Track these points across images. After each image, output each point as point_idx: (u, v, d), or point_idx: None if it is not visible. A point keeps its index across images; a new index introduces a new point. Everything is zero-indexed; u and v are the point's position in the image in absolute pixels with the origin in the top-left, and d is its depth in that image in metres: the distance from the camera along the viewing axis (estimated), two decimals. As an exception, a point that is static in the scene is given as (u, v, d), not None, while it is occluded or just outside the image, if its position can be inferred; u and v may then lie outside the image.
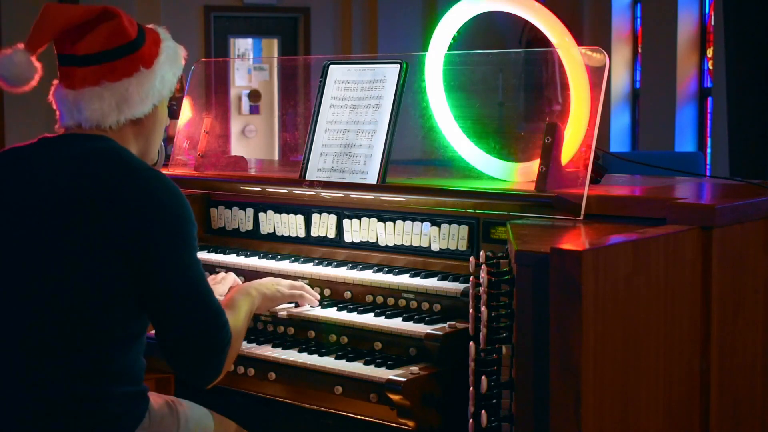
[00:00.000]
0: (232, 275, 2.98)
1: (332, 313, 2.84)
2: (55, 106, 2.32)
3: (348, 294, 2.94)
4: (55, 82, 2.32)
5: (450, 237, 2.88)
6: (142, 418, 2.28)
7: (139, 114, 2.31)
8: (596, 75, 2.75)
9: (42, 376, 2.16)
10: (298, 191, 3.10)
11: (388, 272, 2.90)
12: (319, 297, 2.92)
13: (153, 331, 2.26)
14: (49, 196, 2.18)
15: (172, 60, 2.39)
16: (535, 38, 9.13)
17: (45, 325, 2.16)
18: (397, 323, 2.70)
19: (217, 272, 3.14)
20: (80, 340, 2.16)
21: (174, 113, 4.24)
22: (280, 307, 2.90)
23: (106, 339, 2.17)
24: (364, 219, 3.05)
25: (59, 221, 2.16)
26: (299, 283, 2.91)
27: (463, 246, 2.85)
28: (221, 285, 2.89)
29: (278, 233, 3.28)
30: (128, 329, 2.21)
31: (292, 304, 2.90)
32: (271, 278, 2.88)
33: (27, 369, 2.17)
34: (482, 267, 2.34)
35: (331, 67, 3.15)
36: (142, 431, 2.27)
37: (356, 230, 3.08)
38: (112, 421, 2.21)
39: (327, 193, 3.03)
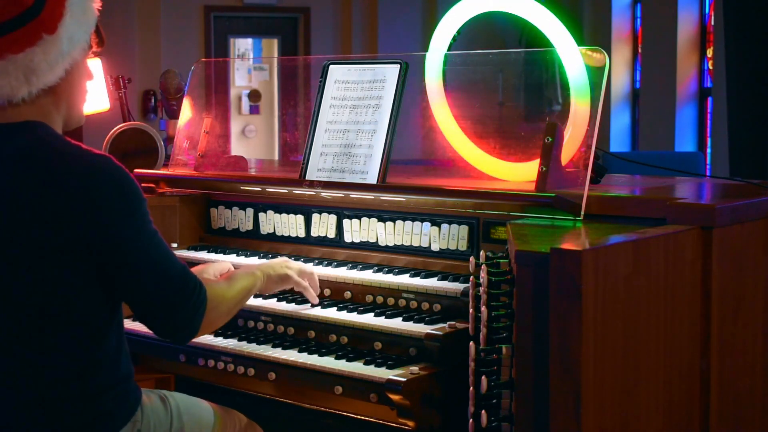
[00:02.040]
0: (222, 263, 2.89)
1: (332, 313, 2.84)
2: None
3: (348, 294, 2.94)
4: None
5: (450, 237, 2.88)
6: (134, 410, 2.27)
7: (50, 82, 2.20)
8: (596, 75, 2.75)
9: (26, 379, 2.14)
10: (298, 191, 3.10)
11: (388, 272, 2.90)
12: (317, 300, 2.91)
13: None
14: None
15: (79, 17, 2.24)
16: (535, 38, 9.14)
17: (17, 328, 2.14)
18: (397, 323, 2.70)
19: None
20: (55, 337, 2.14)
21: (174, 113, 4.24)
22: (281, 307, 2.90)
23: (82, 330, 2.16)
24: (364, 219, 3.05)
25: (8, 224, 2.12)
26: (309, 268, 2.89)
27: (463, 246, 2.85)
28: (207, 269, 2.81)
29: (278, 233, 3.28)
30: (101, 315, 2.19)
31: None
32: (283, 258, 2.86)
33: (9, 373, 2.15)
34: (482, 267, 2.34)
35: (331, 67, 3.15)
36: (135, 425, 2.27)
37: (356, 230, 3.08)
38: (105, 414, 2.20)
39: (327, 193, 3.03)
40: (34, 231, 2.11)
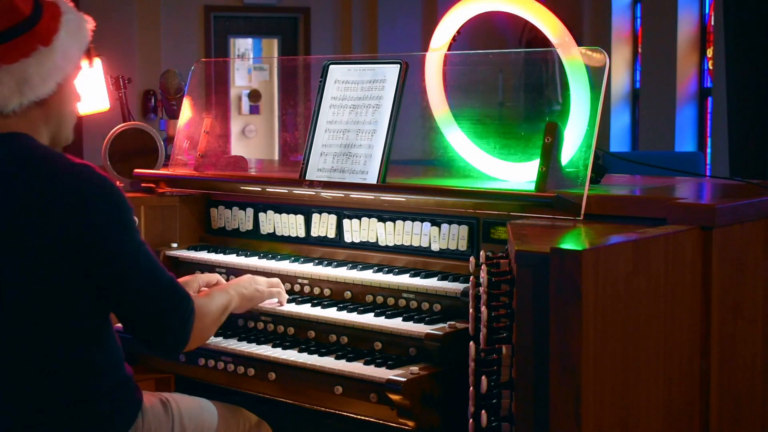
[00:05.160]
0: (201, 276, 2.91)
1: (332, 313, 2.84)
2: None
3: (348, 294, 2.94)
4: None
5: (450, 237, 2.88)
6: (135, 415, 2.27)
7: (42, 95, 2.21)
8: (596, 75, 2.75)
9: (22, 385, 2.14)
10: (298, 191, 3.10)
11: (388, 272, 2.90)
12: (285, 302, 2.91)
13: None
14: None
15: (74, 33, 2.26)
16: (535, 38, 9.14)
17: (11, 334, 2.14)
18: (397, 323, 2.70)
19: (217, 272, 3.14)
20: (50, 342, 2.14)
21: (174, 113, 4.24)
22: (281, 307, 2.90)
23: (76, 336, 2.17)
24: (364, 219, 3.05)
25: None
26: (276, 279, 2.91)
27: (463, 246, 2.85)
28: (190, 282, 2.83)
29: (278, 233, 3.28)
30: (95, 321, 2.20)
31: (275, 300, 2.90)
32: (248, 276, 2.86)
33: (4, 379, 2.15)
34: (482, 267, 2.34)
35: (331, 67, 3.15)
36: (135, 430, 2.27)
37: (356, 230, 3.08)
38: (104, 419, 2.20)
39: (327, 193, 3.03)
40: (25, 237, 2.11)
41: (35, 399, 2.14)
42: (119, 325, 2.28)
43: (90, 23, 2.33)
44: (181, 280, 2.77)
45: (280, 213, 3.27)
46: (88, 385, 2.18)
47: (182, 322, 2.25)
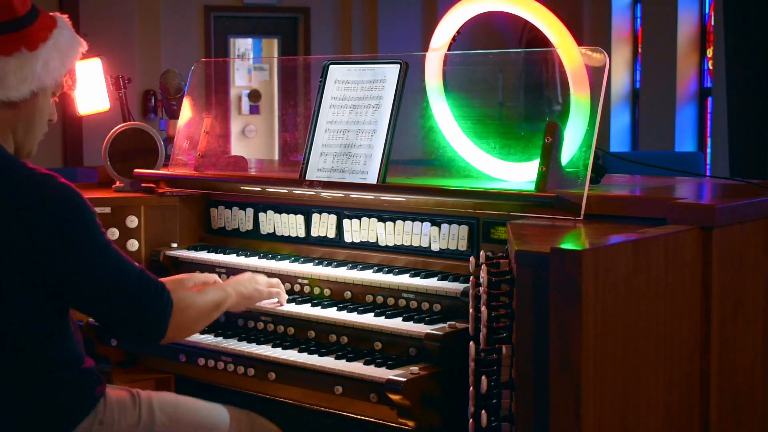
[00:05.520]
0: (198, 275, 2.91)
1: (332, 313, 2.84)
2: None
3: (348, 294, 2.94)
4: None
5: (450, 237, 2.88)
6: (94, 404, 2.28)
7: (14, 96, 2.22)
8: (596, 75, 2.75)
9: None
10: (298, 191, 3.10)
11: (388, 272, 2.90)
12: (285, 302, 2.91)
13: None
14: None
15: (62, 49, 2.28)
16: (535, 38, 9.13)
17: None
18: (397, 323, 2.70)
19: (217, 272, 3.14)
20: (4, 346, 2.16)
21: (174, 113, 4.24)
22: (281, 307, 2.90)
23: (27, 338, 2.18)
24: (364, 219, 3.05)
25: None
26: (276, 280, 2.91)
27: (463, 246, 2.85)
28: (185, 281, 2.83)
29: (278, 233, 3.28)
30: (46, 322, 2.21)
31: (275, 300, 2.90)
32: (249, 274, 2.86)
33: None
34: (482, 267, 2.34)
35: (331, 67, 3.15)
36: (95, 418, 2.27)
37: (356, 230, 3.08)
38: (61, 408, 2.22)
39: (327, 193, 3.03)
40: None
41: None
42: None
43: (83, 47, 2.34)
44: (176, 277, 2.79)
45: (280, 213, 3.27)
46: (45, 380, 2.21)
47: (157, 310, 2.27)
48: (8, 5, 2.19)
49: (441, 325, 2.65)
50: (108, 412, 2.32)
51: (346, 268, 3.00)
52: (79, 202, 2.20)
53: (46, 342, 2.21)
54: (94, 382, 2.33)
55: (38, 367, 2.20)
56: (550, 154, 2.67)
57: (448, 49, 3.16)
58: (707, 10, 9.38)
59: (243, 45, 11.62)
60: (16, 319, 2.16)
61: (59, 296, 2.20)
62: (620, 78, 10.22)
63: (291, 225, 3.25)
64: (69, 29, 2.33)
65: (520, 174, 2.94)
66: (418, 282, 2.79)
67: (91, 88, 3.73)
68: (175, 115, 4.15)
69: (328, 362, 2.68)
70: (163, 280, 2.37)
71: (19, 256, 2.12)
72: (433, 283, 2.78)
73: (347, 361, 2.68)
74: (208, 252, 3.32)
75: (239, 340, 2.92)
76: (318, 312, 2.86)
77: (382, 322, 2.73)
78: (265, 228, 3.31)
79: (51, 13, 2.32)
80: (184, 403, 2.51)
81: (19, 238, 2.12)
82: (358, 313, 2.80)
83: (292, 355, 2.76)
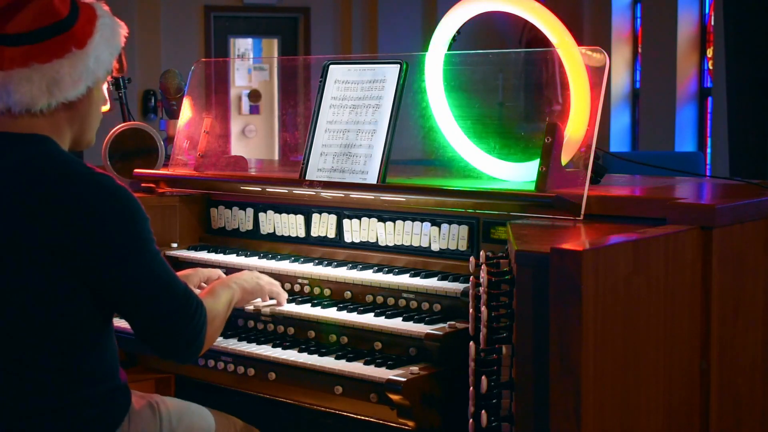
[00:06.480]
0: (203, 271, 2.91)
1: (332, 313, 2.84)
2: None
3: (348, 294, 2.94)
4: None
5: (450, 237, 2.88)
6: (120, 420, 2.25)
7: (71, 97, 2.20)
8: (596, 75, 2.75)
9: (6, 393, 2.12)
10: (298, 191, 3.10)
11: (388, 272, 2.90)
12: (285, 301, 2.91)
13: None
14: None
15: (108, 38, 2.25)
16: (535, 38, 9.13)
17: (4, 338, 2.12)
18: (397, 323, 2.70)
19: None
20: (40, 351, 2.12)
21: (174, 113, 4.24)
22: (281, 307, 2.90)
23: (67, 345, 2.15)
24: (364, 219, 3.05)
25: (4, 235, 2.10)
26: (275, 281, 2.90)
27: (463, 246, 2.85)
28: (191, 277, 2.83)
29: (278, 233, 3.28)
30: (92, 329, 2.18)
31: (273, 301, 2.90)
32: (249, 272, 2.85)
33: None
34: (482, 267, 2.34)
35: (331, 67, 3.15)
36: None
37: (356, 230, 3.08)
38: (90, 422, 2.18)
39: (327, 193, 3.03)
40: (34, 241, 2.08)
41: (21, 407, 2.12)
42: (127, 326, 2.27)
43: (124, 29, 2.31)
44: (181, 273, 2.77)
45: (280, 213, 3.27)
46: (78, 393, 2.16)
47: (197, 330, 2.23)
48: (52, 9, 2.17)
49: (441, 325, 2.65)
50: (133, 425, 2.29)
51: (346, 268, 3.00)
52: (135, 207, 2.17)
53: (86, 352, 2.17)
54: (126, 396, 2.30)
55: (74, 379, 2.16)
56: (550, 154, 2.67)
57: (448, 49, 3.16)
58: (707, 10, 9.38)
59: (243, 45, 11.63)
60: (60, 324, 2.12)
61: (105, 300, 2.16)
62: (620, 78, 10.22)
63: (291, 225, 3.25)
64: (109, 15, 2.29)
65: (520, 174, 2.94)
66: (418, 282, 2.79)
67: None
68: (175, 115, 4.15)
69: (328, 362, 2.68)
70: None
71: (71, 255, 2.09)
72: (433, 283, 2.78)
73: (347, 361, 2.68)
74: (208, 252, 3.32)
75: (239, 340, 2.92)
76: (318, 312, 2.86)
77: (382, 322, 2.73)
78: (265, 228, 3.31)
79: (87, 1, 2.27)
80: (188, 408, 2.50)
81: (71, 237, 2.09)
82: (358, 313, 2.80)
83: (292, 355, 2.76)
